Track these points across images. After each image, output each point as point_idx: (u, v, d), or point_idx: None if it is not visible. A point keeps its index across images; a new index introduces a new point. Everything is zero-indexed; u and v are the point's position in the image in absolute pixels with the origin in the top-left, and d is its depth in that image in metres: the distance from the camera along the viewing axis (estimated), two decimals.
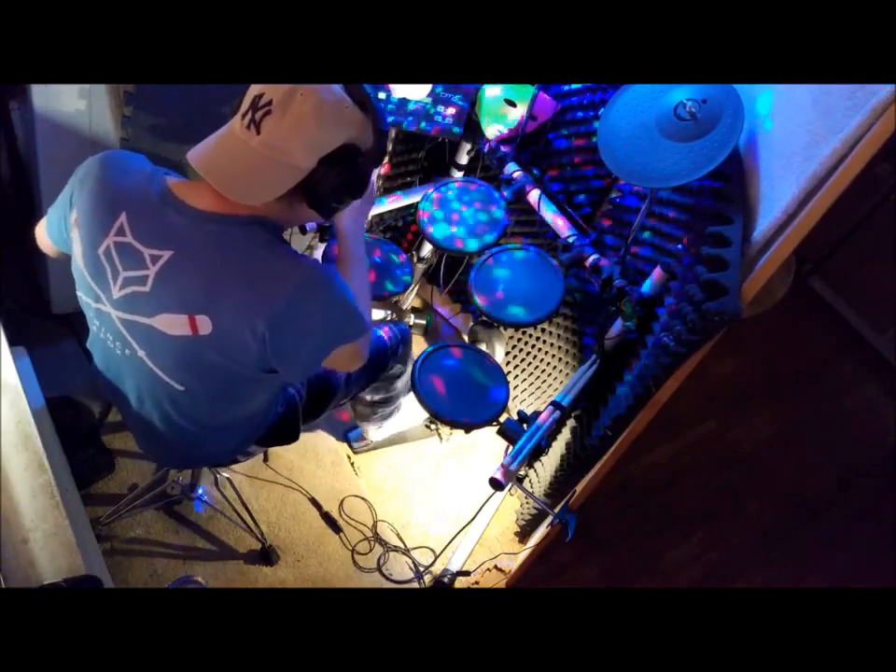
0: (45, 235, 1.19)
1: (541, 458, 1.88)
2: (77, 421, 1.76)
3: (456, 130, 1.83)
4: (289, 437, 1.42)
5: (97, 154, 1.10)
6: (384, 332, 1.63)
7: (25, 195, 1.82)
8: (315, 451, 2.03)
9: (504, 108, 1.79)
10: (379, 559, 1.88)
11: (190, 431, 1.22)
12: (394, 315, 2.10)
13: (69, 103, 1.55)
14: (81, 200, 1.07)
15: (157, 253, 1.02)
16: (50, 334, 1.94)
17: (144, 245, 1.03)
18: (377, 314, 2.05)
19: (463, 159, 1.98)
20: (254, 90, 0.99)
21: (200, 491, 1.75)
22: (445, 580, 1.84)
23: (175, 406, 1.17)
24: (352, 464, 2.06)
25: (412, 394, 1.55)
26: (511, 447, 1.42)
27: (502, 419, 1.48)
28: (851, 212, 2.92)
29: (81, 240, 1.07)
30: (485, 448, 2.21)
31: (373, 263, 1.77)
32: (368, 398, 1.79)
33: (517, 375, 2.17)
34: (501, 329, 1.93)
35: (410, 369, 1.77)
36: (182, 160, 1.13)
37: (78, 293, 1.14)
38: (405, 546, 1.92)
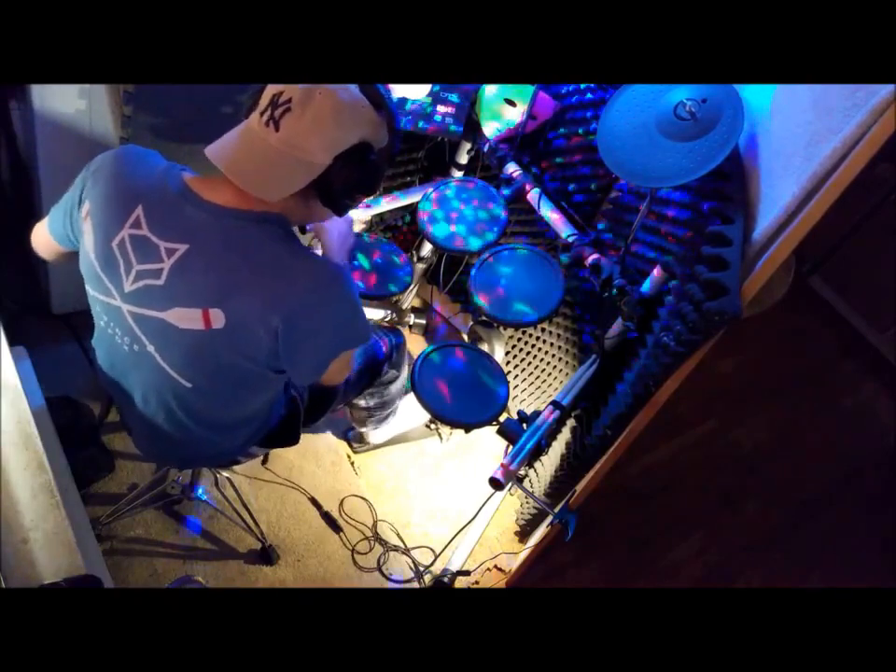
0: (47, 233, 1.18)
1: (541, 458, 1.88)
2: (77, 421, 1.75)
3: (456, 129, 1.83)
4: (290, 439, 1.42)
5: (111, 150, 1.10)
6: (379, 339, 1.64)
7: (25, 195, 1.82)
8: (315, 451, 2.03)
9: (504, 108, 1.78)
10: (379, 559, 1.88)
11: (194, 431, 1.22)
12: (394, 315, 2.10)
13: (69, 103, 1.54)
14: (95, 192, 1.06)
15: (172, 246, 1.02)
16: (50, 334, 1.94)
17: (159, 237, 1.03)
18: (377, 314, 2.05)
19: (463, 158, 1.98)
20: (272, 88, 1.00)
21: (199, 491, 1.75)
22: (445, 579, 1.84)
23: (180, 404, 1.17)
24: (352, 464, 2.06)
25: (412, 395, 1.55)
26: (510, 447, 1.42)
27: (502, 419, 1.48)
28: (851, 212, 2.92)
29: (94, 232, 1.07)
30: (485, 448, 2.21)
31: (373, 263, 1.77)
32: (363, 403, 1.79)
33: (517, 375, 2.17)
34: (501, 328, 1.93)
35: (403, 374, 1.78)
36: (182, 159, 1.13)
37: (87, 287, 1.13)
38: (405, 546, 1.92)
